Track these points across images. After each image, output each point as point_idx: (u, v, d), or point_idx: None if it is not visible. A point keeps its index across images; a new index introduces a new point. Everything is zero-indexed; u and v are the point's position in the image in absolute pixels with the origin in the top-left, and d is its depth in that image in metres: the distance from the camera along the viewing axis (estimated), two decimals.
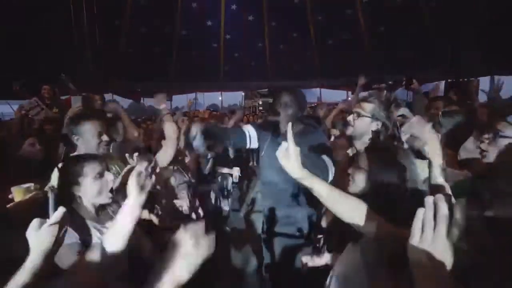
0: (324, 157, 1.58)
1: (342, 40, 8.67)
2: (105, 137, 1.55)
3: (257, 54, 9.64)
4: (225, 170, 2.89)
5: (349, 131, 1.65)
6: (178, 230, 0.74)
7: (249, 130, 1.93)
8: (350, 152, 1.66)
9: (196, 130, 1.55)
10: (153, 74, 8.92)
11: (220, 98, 14.00)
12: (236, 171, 2.90)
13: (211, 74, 9.95)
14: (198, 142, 1.54)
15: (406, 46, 7.61)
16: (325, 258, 1.44)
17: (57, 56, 6.62)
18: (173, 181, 1.98)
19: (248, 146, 1.95)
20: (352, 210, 0.95)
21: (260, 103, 11.43)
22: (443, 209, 0.56)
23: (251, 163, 3.62)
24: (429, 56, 7.34)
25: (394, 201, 0.98)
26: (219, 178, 2.86)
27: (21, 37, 6.09)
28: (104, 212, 1.21)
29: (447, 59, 6.91)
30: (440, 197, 0.57)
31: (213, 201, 2.64)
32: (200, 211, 2.03)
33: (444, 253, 0.56)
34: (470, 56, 6.33)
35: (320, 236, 1.91)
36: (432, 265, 0.57)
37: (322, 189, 0.97)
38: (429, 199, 0.58)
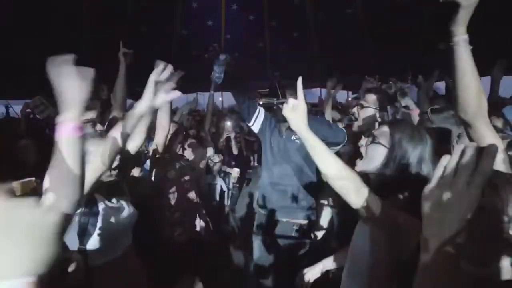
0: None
1: (343, 40, 8.67)
2: None
3: (258, 54, 9.65)
4: (227, 169, 2.98)
5: (355, 127, 1.69)
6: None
7: (261, 111, 2.07)
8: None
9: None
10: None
11: (220, 98, 13.99)
12: (235, 172, 2.98)
13: (211, 74, 9.95)
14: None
15: (406, 46, 7.62)
16: (319, 266, 1.45)
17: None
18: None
19: (251, 124, 2.04)
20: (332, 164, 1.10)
21: (261, 103, 11.48)
22: (469, 156, 0.54)
23: (252, 163, 3.66)
24: (428, 56, 7.35)
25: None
26: (222, 176, 2.94)
27: (19, 34, 6.07)
28: None
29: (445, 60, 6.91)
30: (470, 145, 0.56)
31: (217, 197, 2.74)
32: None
33: (460, 199, 0.55)
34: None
35: (318, 233, 1.94)
36: (444, 209, 0.56)
37: (316, 143, 1.10)
38: (459, 146, 0.57)
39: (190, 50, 8.97)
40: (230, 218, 2.90)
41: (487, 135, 0.98)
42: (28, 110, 2.42)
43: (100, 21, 6.82)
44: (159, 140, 1.79)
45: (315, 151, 1.10)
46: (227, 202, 2.91)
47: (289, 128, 1.82)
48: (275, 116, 2.01)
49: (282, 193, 1.91)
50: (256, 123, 2.08)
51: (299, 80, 1.09)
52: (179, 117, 2.89)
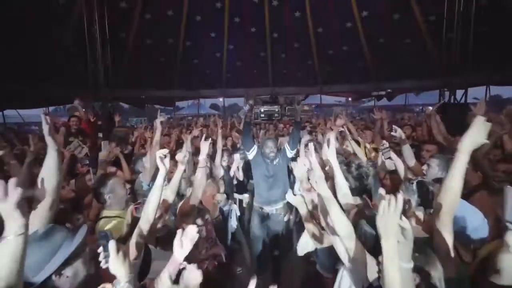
0: None
1: (342, 51, 8.90)
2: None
3: (259, 63, 9.88)
4: (238, 196, 3.27)
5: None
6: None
7: (255, 146, 2.93)
8: None
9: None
10: (157, 82, 9.17)
11: (221, 99, 14.26)
12: (246, 198, 3.26)
13: (213, 81, 10.20)
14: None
15: (403, 57, 7.83)
16: None
17: (67, 67, 6.86)
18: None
19: (248, 153, 2.90)
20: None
21: (262, 110, 11.68)
22: None
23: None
24: (425, 66, 7.57)
25: None
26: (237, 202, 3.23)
27: (33, 48, 6.29)
28: None
29: (443, 69, 7.13)
30: None
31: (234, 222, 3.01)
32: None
33: None
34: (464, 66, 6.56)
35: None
36: None
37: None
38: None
39: (193, 59, 9.24)
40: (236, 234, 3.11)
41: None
42: (70, 152, 2.94)
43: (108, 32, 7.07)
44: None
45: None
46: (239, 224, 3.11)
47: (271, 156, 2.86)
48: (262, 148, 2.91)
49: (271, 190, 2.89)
50: (251, 154, 2.93)
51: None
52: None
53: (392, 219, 0.93)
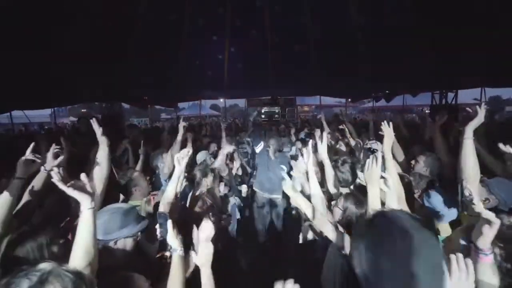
0: None
1: (339, 54, 9.11)
2: None
3: (260, 65, 10.08)
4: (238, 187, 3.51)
5: None
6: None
7: (262, 143, 3.63)
8: None
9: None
10: (159, 82, 9.38)
11: (222, 100, 14.47)
12: (244, 188, 3.49)
13: (214, 83, 10.41)
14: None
15: (397, 60, 8.01)
16: None
17: (73, 68, 7.05)
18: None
19: (256, 148, 3.70)
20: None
21: (263, 111, 11.90)
22: None
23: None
24: (418, 69, 7.75)
25: None
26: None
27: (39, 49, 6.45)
28: None
29: (436, 71, 7.32)
30: None
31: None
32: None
33: None
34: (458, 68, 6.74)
35: None
36: None
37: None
38: None
39: (195, 61, 9.45)
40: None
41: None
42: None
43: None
44: None
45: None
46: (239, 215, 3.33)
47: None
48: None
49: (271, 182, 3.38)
50: (258, 148, 3.68)
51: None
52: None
53: (375, 170, 1.23)
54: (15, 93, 6.80)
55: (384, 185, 1.26)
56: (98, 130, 1.66)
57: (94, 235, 1.08)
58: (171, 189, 1.62)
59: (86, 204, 1.06)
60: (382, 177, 1.26)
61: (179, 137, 2.67)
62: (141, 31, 8.14)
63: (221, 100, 14.79)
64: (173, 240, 1.24)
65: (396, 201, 1.25)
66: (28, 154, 1.47)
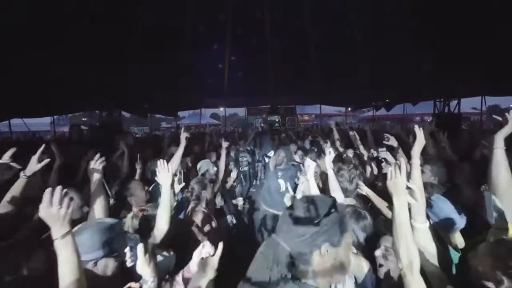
0: None
1: (339, 63, 9.14)
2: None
3: (261, 73, 10.11)
4: (233, 201, 3.39)
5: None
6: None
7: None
8: None
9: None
10: (159, 91, 9.37)
11: (222, 109, 14.49)
12: (240, 201, 3.38)
13: (215, 92, 10.42)
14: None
15: (397, 68, 8.03)
16: None
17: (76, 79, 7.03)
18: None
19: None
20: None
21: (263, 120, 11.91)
22: None
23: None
24: (419, 77, 7.75)
25: None
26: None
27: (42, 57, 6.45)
28: None
29: (438, 79, 7.32)
30: None
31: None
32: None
33: None
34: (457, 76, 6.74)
35: None
36: None
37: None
38: None
39: (195, 69, 9.47)
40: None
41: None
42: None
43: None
44: None
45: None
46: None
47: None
48: None
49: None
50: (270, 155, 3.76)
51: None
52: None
53: (400, 180, 1.10)
54: (14, 101, 6.77)
55: (409, 197, 1.15)
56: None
57: (76, 258, 0.97)
58: (163, 217, 1.48)
59: (55, 233, 0.94)
60: (407, 187, 1.14)
61: (180, 151, 2.49)
62: (142, 39, 8.19)
63: (221, 109, 14.82)
64: (143, 268, 1.07)
65: (424, 214, 1.14)
66: (5, 159, 1.38)
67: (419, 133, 1.66)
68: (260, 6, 8.78)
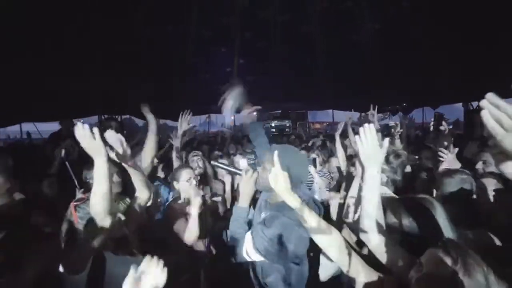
0: None
1: (351, 67, 8.82)
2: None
3: (270, 77, 9.88)
4: None
5: None
6: None
7: None
8: None
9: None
10: (168, 96, 9.27)
11: (232, 117, 14.25)
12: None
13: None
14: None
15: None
16: None
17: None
18: None
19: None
20: (329, 243, 1.03)
21: (273, 125, 11.54)
22: None
23: None
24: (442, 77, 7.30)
25: None
26: None
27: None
28: None
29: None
30: None
31: None
32: None
33: None
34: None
35: None
36: None
37: (309, 219, 1.03)
38: None
39: (204, 73, 9.36)
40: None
41: None
42: (63, 151, 2.73)
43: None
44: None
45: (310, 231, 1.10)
46: None
47: None
48: None
49: None
50: None
51: (275, 153, 1.06)
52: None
53: (372, 147, 1.00)
54: (24, 105, 6.78)
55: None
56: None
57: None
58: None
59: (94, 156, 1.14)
60: None
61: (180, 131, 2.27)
62: (149, 44, 8.18)
63: (232, 117, 14.62)
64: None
65: None
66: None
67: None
68: (269, 9, 8.63)
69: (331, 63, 9.30)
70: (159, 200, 2.08)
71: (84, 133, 1.12)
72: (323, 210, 1.53)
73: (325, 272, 1.59)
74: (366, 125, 0.99)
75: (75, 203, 1.35)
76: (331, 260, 1.48)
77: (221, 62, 9.31)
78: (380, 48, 8.36)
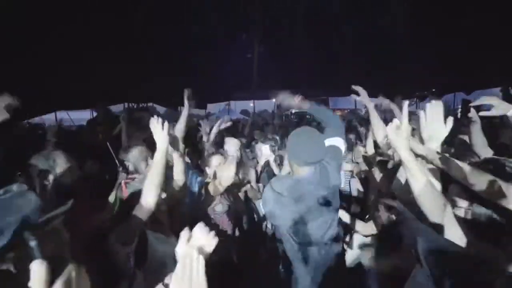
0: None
1: (376, 50, 8.40)
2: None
3: (289, 65, 9.69)
4: None
5: None
6: None
7: None
8: None
9: None
10: (188, 83, 9.38)
11: (251, 104, 14.23)
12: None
13: (243, 83, 10.21)
14: None
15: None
16: None
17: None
18: None
19: None
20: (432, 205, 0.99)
21: (293, 112, 11.41)
22: None
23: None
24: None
25: None
26: None
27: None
28: None
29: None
30: None
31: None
32: None
33: None
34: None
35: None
36: None
37: (418, 175, 0.99)
38: None
39: (224, 59, 9.33)
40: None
41: None
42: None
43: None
44: None
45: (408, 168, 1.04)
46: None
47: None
48: None
49: None
50: None
51: (405, 104, 1.00)
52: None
53: (437, 123, 1.03)
54: (58, 94, 7.21)
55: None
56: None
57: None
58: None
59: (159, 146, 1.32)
60: None
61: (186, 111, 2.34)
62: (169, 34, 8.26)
63: (251, 104, 14.58)
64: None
65: None
66: None
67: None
68: None
69: (357, 47, 8.93)
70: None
71: (157, 125, 1.35)
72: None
73: (351, 257, 1.65)
74: (433, 101, 1.00)
75: (125, 181, 1.50)
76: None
77: (242, 49, 9.26)
78: (410, 33, 7.87)
